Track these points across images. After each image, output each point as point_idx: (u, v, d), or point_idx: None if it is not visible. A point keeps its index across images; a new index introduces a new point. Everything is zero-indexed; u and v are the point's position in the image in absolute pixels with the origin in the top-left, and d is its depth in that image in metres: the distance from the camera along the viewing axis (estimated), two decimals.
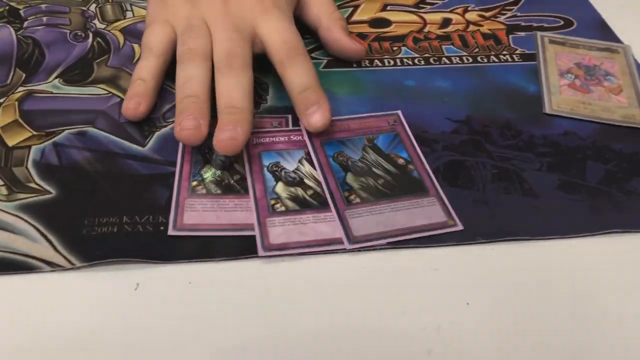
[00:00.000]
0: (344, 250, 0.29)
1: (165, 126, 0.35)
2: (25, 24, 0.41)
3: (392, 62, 0.41)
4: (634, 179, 0.34)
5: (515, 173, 0.34)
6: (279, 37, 0.36)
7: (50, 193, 0.31)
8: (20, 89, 0.36)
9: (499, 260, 0.30)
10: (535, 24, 0.45)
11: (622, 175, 0.34)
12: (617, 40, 0.44)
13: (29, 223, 0.29)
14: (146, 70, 0.36)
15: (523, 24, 0.45)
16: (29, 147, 0.33)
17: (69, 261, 0.28)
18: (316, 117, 0.34)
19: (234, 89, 0.33)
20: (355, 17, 0.44)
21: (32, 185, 0.31)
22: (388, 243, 0.30)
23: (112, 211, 0.30)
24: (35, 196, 0.31)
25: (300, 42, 0.36)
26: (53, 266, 0.28)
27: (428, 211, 0.31)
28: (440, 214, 0.31)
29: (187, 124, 0.32)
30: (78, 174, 0.32)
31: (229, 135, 0.31)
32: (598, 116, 0.38)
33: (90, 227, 0.29)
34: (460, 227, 0.31)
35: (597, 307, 0.28)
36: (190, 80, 0.34)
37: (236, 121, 0.32)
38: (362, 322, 0.27)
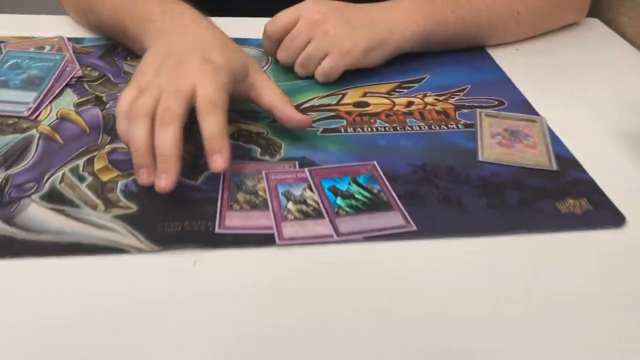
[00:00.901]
0: (333, 241, 0.43)
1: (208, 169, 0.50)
2: (107, 106, 0.57)
3: (369, 130, 0.56)
4: (539, 202, 0.49)
5: (455, 198, 0.49)
6: (203, 94, 0.45)
7: (133, 209, 0.45)
8: (107, 146, 0.52)
9: (441, 249, 0.44)
10: (476, 104, 0.61)
11: (531, 199, 0.49)
12: (536, 114, 0.60)
13: (121, 226, 0.44)
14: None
15: (467, 104, 0.61)
16: (117, 181, 0.48)
17: (150, 247, 0.42)
18: (217, 163, 0.44)
19: (164, 139, 0.44)
20: (343, 101, 0.61)
21: (121, 204, 0.46)
22: (364, 238, 0.44)
23: (176, 219, 0.44)
24: (124, 210, 0.45)
25: (220, 99, 0.46)
26: (139, 250, 0.42)
27: (393, 219, 0.46)
28: (401, 221, 0.45)
29: (140, 179, 0.45)
30: (151, 198, 0.46)
31: (162, 184, 0.44)
32: (517, 162, 0.53)
33: (161, 229, 0.44)
34: (414, 228, 0.45)
35: (510, 285, 0.42)
36: (132, 137, 0.45)
37: (166, 170, 0.43)
38: (344, 294, 0.41)
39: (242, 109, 0.57)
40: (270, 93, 0.53)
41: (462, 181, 0.51)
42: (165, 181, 0.44)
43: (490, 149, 0.55)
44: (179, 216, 0.45)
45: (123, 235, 0.43)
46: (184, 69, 0.47)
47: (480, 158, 0.53)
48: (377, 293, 0.40)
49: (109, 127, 0.54)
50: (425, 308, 0.40)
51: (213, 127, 0.45)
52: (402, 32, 0.63)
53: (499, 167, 0.52)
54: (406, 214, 0.46)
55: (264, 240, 0.43)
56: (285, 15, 0.61)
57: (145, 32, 0.56)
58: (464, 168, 0.52)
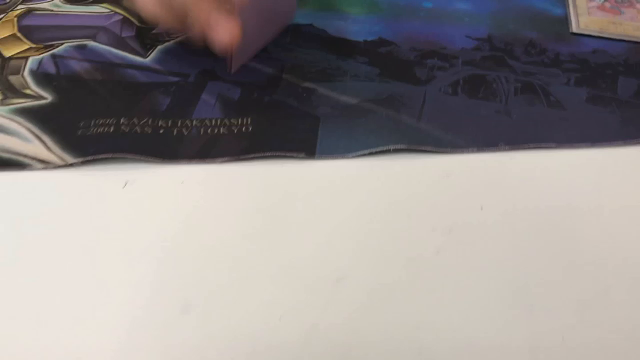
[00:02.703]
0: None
1: (169, 41, 0.33)
2: None
3: None
4: None
5: (540, 87, 0.32)
6: None
7: (46, 99, 0.29)
8: (20, 6, 0.35)
9: (525, 163, 0.28)
10: None
11: None
12: None
13: (23, 125, 0.28)
14: None
15: None
16: (27, 57, 0.32)
17: (62, 159, 0.26)
18: None
19: None
20: None
21: (28, 91, 0.30)
22: None
23: (109, 114, 0.28)
24: (30, 101, 0.29)
25: None
26: (45, 164, 0.26)
27: None
28: None
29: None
30: (75, 82, 0.30)
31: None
32: (630, 34, 0.35)
33: (85, 128, 0.28)
34: None
35: (622, 216, 0.26)
36: None
37: None
38: (373, 223, 0.25)
39: None
40: None
41: (549, 62, 0.33)
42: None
43: (589, 15, 0.37)
44: (113, 109, 0.29)
45: (23, 139, 0.27)
46: None
47: (574, 29, 0.36)
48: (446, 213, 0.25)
49: None
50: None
51: None
52: None
53: (602, 41, 0.35)
54: None
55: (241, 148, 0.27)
56: None
57: None
58: (551, 43, 0.35)
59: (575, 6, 0.37)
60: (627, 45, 0.35)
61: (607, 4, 0.38)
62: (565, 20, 0.36)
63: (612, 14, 0.37)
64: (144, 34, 0.33)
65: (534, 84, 0.32)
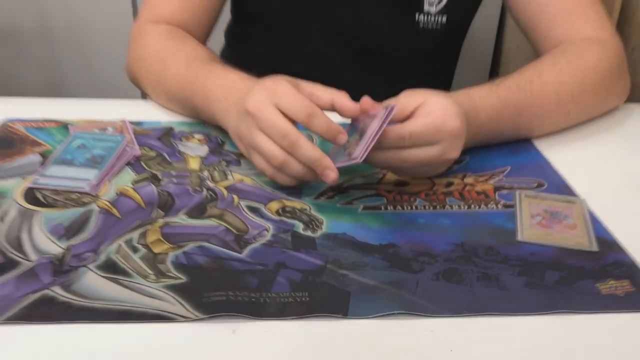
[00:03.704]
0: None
1: (255, 242, 0.52)
2: (162, 183, 0.61)
3: (409, 208, 0.58)
4: (579, 282, 0.49)
5: (493, 276, 0.49)
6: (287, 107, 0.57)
7: (182, 279, 0.48)
8: (160, 220, 0.55)
9: (478, 329, 0.44)
10: (516, 185, 0.62)
11: (571, 279, 0.49)
12: (575, 195, 0.61)
13: (170, 295, 0.46)
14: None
15: (507, 185, 0.63)
16: (168, 253, 0.51)
17: (195, 315, 0.44)
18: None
19: (304, 154, 0.56)
20: (384, 180, 0.63)
21: (170, 274, 0.48)
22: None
23: (220, 289, 0.46)
24: (173, 281, 0.47)
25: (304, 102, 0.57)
26: (185, 318, 0.44)
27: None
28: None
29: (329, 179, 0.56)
30: (199, 269, 0.49)
31: (333, 176, 0.56)
32: (557, 242, 0.53)
33: (207, 298, 0.46)
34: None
35: None
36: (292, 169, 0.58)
37: (326, 166, 0.56)
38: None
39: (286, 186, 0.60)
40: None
41: (501, 260, 0.51)
42: (332, 174, 0.55)
43: (530, 229, 0.55)
44: (223, 287, 0.47)
45: (172, 304, 0.45)
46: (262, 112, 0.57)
47: (519, 238, 0.54)
48: None
49: (163, 203, 0.58)
50: None
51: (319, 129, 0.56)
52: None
53: (538, 247, 0.53)
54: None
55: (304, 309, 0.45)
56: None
57: (215, 111, 0.67)
58: (503, 247, 0.53)
59: (521, 222, 0.56)
60: (555, 249, 0.53)
61: (544, 221, 0.56)
62: (514, 232, 0.55)
63: (545, 228, 0.55)
64: (240, 238, 0.53)
65: (489, 274, 0.49)
